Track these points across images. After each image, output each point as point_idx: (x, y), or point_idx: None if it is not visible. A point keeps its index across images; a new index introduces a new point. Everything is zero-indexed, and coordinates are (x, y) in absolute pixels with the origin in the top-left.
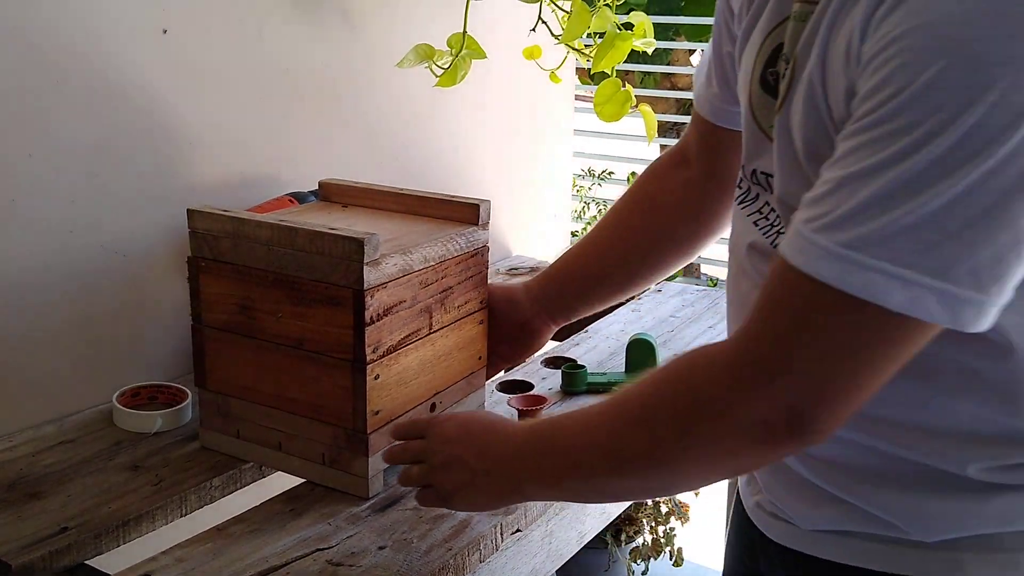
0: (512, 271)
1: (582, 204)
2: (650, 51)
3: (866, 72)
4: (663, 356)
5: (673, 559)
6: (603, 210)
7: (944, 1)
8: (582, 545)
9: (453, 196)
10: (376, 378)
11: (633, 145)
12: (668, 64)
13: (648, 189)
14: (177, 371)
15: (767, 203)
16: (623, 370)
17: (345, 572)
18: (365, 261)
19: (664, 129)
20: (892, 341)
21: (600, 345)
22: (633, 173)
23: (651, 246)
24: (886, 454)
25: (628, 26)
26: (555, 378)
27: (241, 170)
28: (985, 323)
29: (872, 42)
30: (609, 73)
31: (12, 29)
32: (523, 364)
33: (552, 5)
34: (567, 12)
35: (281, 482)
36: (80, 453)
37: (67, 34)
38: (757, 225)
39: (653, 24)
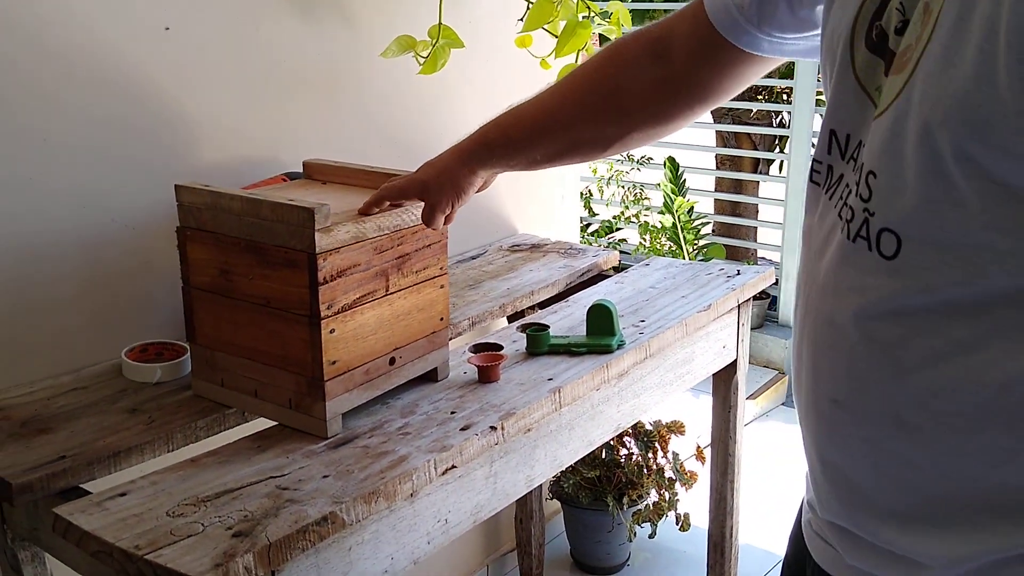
0: (514, 248)
1: (623, 189)
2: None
3: None
4: (623, 322)
5: (679, 524)
6: (641, 194)
7: None
8: (531, 488)
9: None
10: (332, 332)
11: None
12: None
13: (612, 72)
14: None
15: (847, 184)
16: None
17: (288, 494)
18: (316, 228)
19: None
20: None
21: (576, 313)
22: (671, 158)
23: (597, 133)
24: None
25: (605, 15)
26: (524, 341)
27: (242, 153)
28: None
29: None
30: (575, 60)
31: (22, 25)
32: (498, 329)
33: None
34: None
35: (262, 425)
36: (89, 398)
37: (75, 32)
38: (842, 217)
39: (629, 12)
